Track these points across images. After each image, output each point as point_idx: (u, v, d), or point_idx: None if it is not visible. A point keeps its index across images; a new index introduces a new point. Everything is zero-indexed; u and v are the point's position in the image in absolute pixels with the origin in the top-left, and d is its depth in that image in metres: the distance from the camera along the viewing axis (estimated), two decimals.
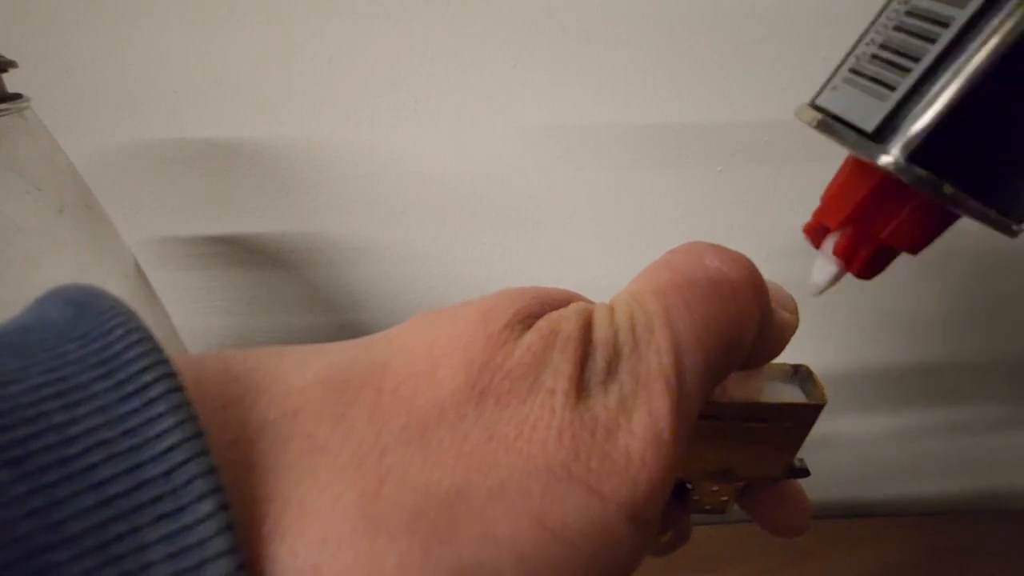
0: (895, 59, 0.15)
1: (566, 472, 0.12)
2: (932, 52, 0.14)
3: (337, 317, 0.46)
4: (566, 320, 0.13)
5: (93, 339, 0.10)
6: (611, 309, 0.14)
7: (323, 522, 0.10)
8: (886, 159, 0.14)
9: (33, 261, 0.28)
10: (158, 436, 0.09)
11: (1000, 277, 0.45)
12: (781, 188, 0.41)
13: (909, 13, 0.15)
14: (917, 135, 0.14)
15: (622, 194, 0.42)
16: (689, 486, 0.22)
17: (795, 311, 0.18)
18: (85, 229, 0.31)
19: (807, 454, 0.22)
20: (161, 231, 0.43)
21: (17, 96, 0.28)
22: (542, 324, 0.13)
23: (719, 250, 0.16)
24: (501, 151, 0.40)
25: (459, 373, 0.12)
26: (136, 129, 0.39)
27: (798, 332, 0.18)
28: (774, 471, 0.21)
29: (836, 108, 0.16)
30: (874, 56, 0.16)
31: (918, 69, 0.14)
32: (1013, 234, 0.15)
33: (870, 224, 0.17)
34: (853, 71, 0.16)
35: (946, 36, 0.14)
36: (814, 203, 0.18)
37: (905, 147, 0.14)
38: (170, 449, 0.09)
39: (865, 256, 0.17)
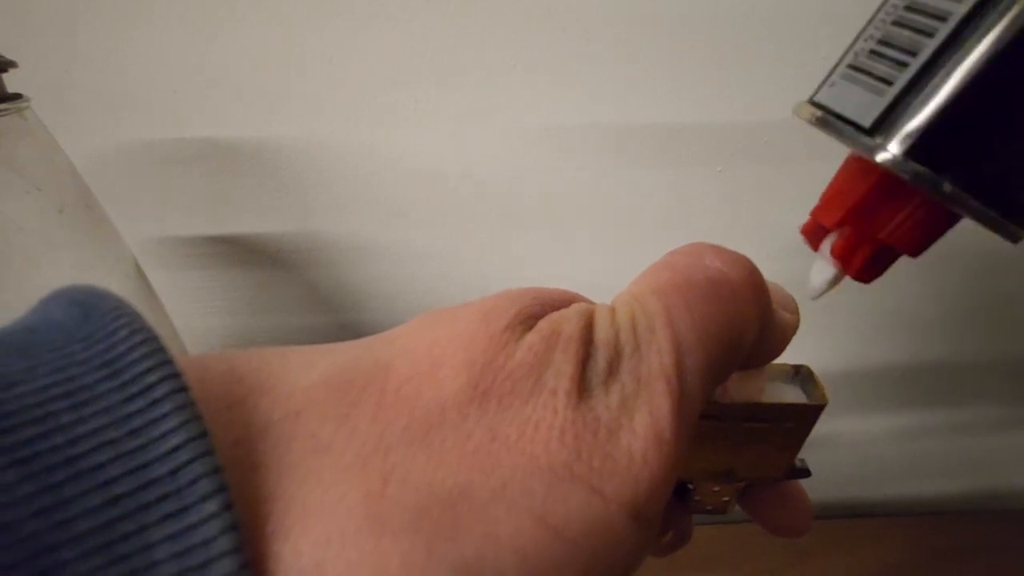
0: (893, 54, 0.15)
1: (568, 472, 0.12)
2: (929, 47, 0.14)
3: (337, 317, 0.46)
4: (567, 321, 0.13)
5: (98, 340, 0.11)
6: (612, 310, 0.14)
7: (327, 521, 0.10)
8: (883, 155, 0.14)
9: (33, 261, 0.28)
10: (163, 436, 0.10)
11: (1000, 277, 0.45)
12: (781, 188, 0.41)
13: (908, 8, 0.15)
14: (914, 130, 0.14)
15: (622, 194, 0.42)
16: (690, 486, 0.22)
17: (796, 311, 0.18)
18: (85, 229, 0.31)
19: (807, 454, 0.22)
20: (161, 231, 0.43)
21: (17, 96, 0.28)
22: (543, 325, 0.13)
23: (719, 251, 0.16)
24: (501, 151, 0.40)
25: (461, 373, 0.12)
26: (136, 129, 0.39)
27: (798, 332, 0.18)
28: (775, 471, 0.21)
29: (834, 104, 0.16)
30: (872, 52, 0.15)
31: (915, 64, 0.14)
32: (1014, 239, 0.15)
33: (868, 224, 0.16)
34: (851, 67, 0.16)
35: (944, 30, 0.14)
36: (813, 203, 0.18)
37: (902, 142, 0.14)
38: (175, 449, 0.09)
39: (864, 257, 0.17)
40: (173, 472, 0.09)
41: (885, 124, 0.14)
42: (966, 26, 0.13)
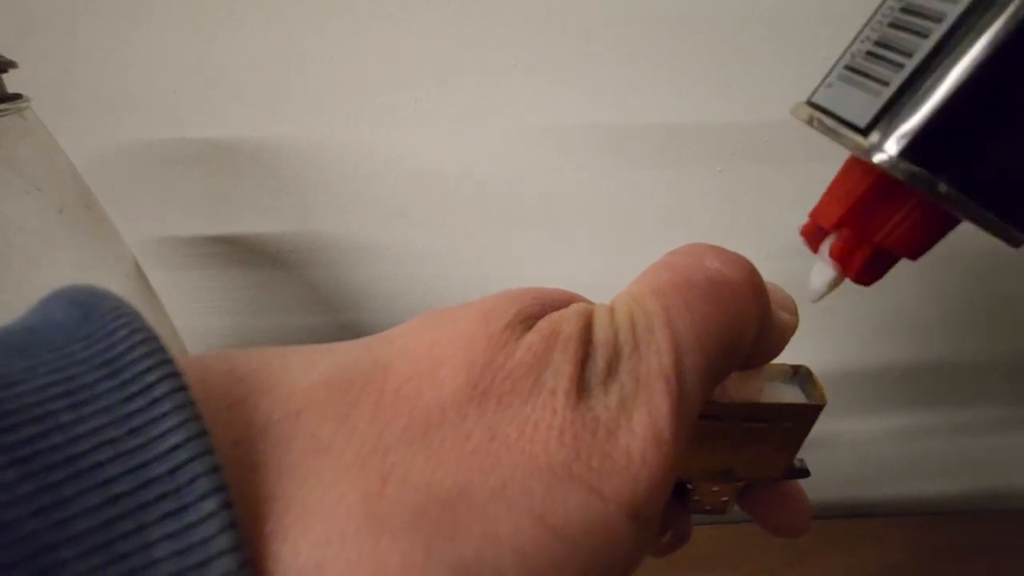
0: (889, 55, 0.15)
1: (567, 471, 0.12)
2: (924, 47, 0.14)
3: (337, 317, 0.46)
4: (566, 320, 0.13)
5: (98, 340, 0.11)
6: (611, 310, 0.14)
7: (327, 521, 0.10)
8: (879, 156, 0.14)
9: (33, 261, 0.28)
10: (162, 435, 0.10)
11: (1000, 277, 0.45)
12: (781, 188, 0.41)
13: (904, 9, 0.15)
14: (910, 131, 0.14)
15: (622, 194, 0.42)
16: (689, 486, 0.22)
17: (794, 311, 0.18)
18: (85, 229, 0.31)
19: (807, 454, 0.22)
20: (161, 231, 0.43)
21: (17, 96, 0.28)
22: (543, 324, 0.13)
23: (719, 251, 0.16)
24: (501, 151, 0.40)
25: (461, 373, 0.12)
26: (136, 129, 0.39)
27: (798, 332, 0.18)
28: (774, 471, 0.21)
29: (831, 105, 0.16)
30: (869, 53, 0.15)
31: (911, 64, 0.14)
32: (1015, 243, 0.15)
33: (866, 226, 0.16)
34: (848, 68, 0.16)
35: (938, 31, 0.14)
36: (813, 203, 0.18)
37: (898, 143, 0.14)
38: (174, 448, 0.09)
39: (862, 259, 0.17)
40: (172, 471, 0.09)
41: (881, 125, 0.14)
42: (960, 27, 0.13)
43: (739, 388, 0.19)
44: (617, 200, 0.42)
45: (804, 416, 0.20)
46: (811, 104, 0.17)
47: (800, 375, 0.21)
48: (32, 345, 0.10)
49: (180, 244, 0.43)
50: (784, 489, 0.22)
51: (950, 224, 0.16)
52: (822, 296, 0.18)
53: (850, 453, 0.51)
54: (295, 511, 0.10)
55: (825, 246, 0.18)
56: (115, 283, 0.31)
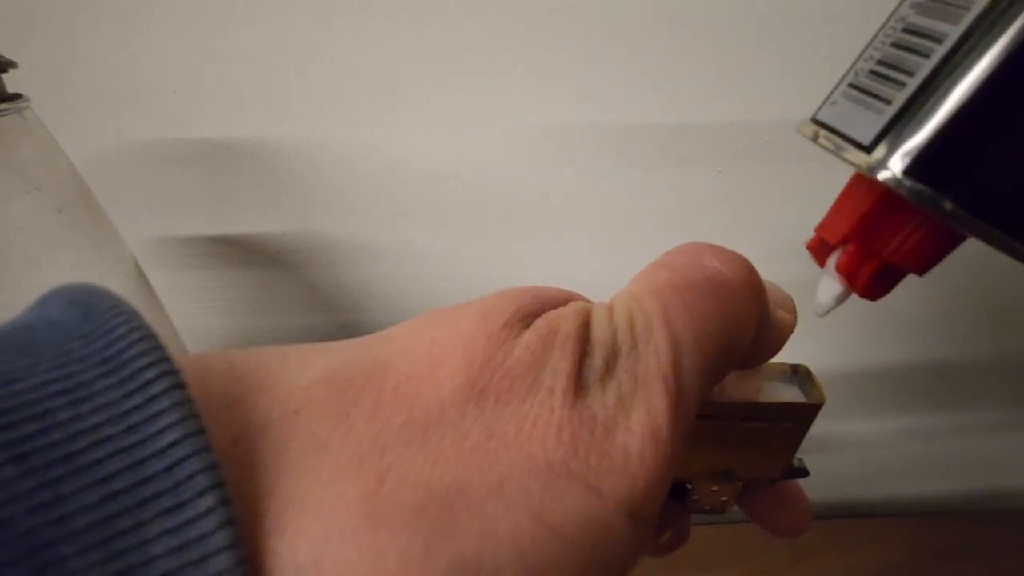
0: (892, 74, 0.15)
1: (565, 469, 0.12)
2: (926, 67, 0.14)
3: (337, 317, 0.46)
4: (565, 319, 0.13)
5: (96, 338, 0.11)
6: (610, 309, 0.14)
7: (325, 519, 0.10)
8: (884, 173, 0.14)
9: (33, 261, 0.28)
10: (160, 432, 0.10)
11: (1000, 278, 0.45)
12: (781, 188, 0.41)
13: (906, 30, 0.15)
14: (913, 148, 0.14)
15: (622, 194, 0.42)
16: (689, 486, 0.22)
17: (793, 311, 0.18)
18: (85, 229, 0.31)
19: (807, 454, 0.22)
20: (161, 231, 0.43)
21: (17, 96, 0.28)
22: (541, 323, 0.13)
23: (717, 250, 0.16)
24: (501, 151, 0.40)
25: (459, 372, 0.12)
26: (136, 129, 0.39)
27: (797, 332, 0.18)
28: (773, 471, 0.21)
29: (835, 122, 0.16)
30: (872, 72, 0.16)
31: (913, 83, 0.14)
32: (1022, 258, 0.15)
33: (872, 241, 0.16)
34: (852, 86, 0.16)
35: (940, 51, 0.14)
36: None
37: (902, 160, 0.14)
38: (172, 445, 0.09)
39: (869, 274, 0.17)
40: (169, 467, 0.09)
41: (885, 142, 0.15)
42: (962, 47, 0.14)
43: (738, 387, 0.19)
44: (617, 200, 0.42)
45: (803, 415, 0.20)
46: (816, 121, 0.17)
47: (799, 374, 0.21)
48: (31, 343, 0.11)
49: (180, 244, 0.43)
50: (784, 489, 0.22)
51: (956, 240, 0.16)
52: (829, 310, 0.18)
53: (850, 453, 0.51)
54: (293, 509, 0.10)
55: (832, 261, 0.18)
56: (115, 283, 0.31)
